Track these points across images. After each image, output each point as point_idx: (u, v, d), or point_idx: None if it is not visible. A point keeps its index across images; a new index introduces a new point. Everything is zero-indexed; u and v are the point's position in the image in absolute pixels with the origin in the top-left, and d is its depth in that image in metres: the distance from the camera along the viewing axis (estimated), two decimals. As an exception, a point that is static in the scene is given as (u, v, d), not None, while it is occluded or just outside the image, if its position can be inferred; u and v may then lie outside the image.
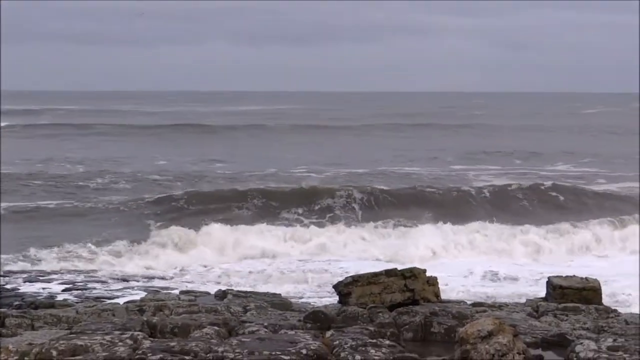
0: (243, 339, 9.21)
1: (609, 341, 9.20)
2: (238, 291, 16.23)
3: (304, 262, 23.89)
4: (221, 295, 15.83)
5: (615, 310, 13.64)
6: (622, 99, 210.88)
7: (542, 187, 33.71)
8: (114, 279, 21.16)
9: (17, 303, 15.61)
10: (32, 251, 23.31)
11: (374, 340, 9.30)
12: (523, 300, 15.50)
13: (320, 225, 27.88)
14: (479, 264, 23.56)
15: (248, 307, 13.27)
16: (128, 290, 19.76)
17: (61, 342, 8.79)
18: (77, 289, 19.56)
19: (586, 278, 14.51)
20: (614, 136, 70.27)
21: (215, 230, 26.06)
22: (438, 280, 13.33)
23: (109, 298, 18.04)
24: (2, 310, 13.02)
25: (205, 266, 23.18)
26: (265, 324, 10.87)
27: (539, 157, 49.79)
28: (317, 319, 11.39)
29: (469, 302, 15.21)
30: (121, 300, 16.38)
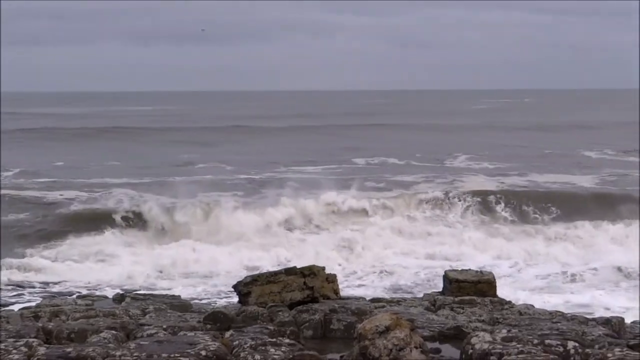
0: (141, 342, 9.12)
1: (504, 332, 9.41)
2: (136, 294, 16.04)
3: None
4: (119, 298, 15.62)
5: (509, 302, 13.95)
6: (510, 94, 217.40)
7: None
8: (7, 285, 20.67)
9: None
10: None
11: (274, 339, 9.31)
12: (420, 295, 15.76)
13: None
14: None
15: (147, 310, 13.10)
16: (23, 296, 19.35)
17: (-48, 351, 8.56)
18: (-31, 297, 19.09)
19: (481, 271, 14.84)
20: (502, 130, 72.22)
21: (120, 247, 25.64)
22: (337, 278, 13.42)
23: (3, 305, 17.60)
24: None
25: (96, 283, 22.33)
26: (164, 326, 10.75)
27: (439, 154, 50.19)
28: (216, 320, 11.36)
29: (368, 298, 15.38)
30: (16, 307, 16.02)
